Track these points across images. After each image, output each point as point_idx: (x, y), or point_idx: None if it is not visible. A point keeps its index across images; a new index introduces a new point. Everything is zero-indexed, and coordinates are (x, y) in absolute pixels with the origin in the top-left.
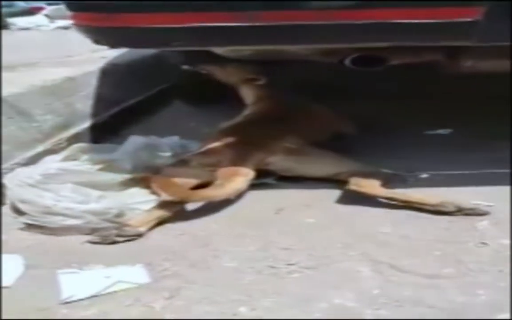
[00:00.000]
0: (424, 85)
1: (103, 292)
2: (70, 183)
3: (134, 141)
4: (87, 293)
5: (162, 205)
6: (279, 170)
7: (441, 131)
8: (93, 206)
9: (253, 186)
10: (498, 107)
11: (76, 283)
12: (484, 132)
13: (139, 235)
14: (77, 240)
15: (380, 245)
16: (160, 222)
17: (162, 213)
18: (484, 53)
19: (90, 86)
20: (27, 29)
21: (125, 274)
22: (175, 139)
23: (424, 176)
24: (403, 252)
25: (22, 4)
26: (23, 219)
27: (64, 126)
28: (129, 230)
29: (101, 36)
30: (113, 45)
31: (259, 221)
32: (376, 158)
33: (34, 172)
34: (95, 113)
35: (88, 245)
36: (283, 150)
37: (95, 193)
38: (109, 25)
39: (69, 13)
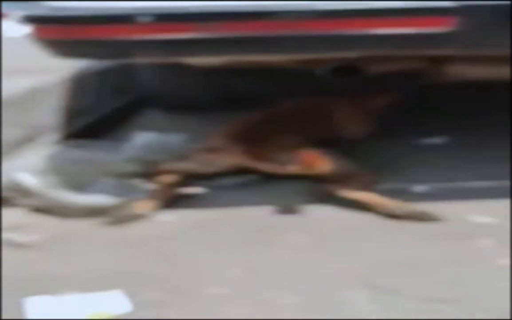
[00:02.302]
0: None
1: None
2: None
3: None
4: None
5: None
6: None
7: (434, 140)
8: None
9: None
10: (496, 116)
11: (47, 313)
12: (481, 142)
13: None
14: (46, 262)
15: (375, 267)
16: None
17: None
18: (472, 60)
19: (56, 97)
20: None
21: (102, 301)
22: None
23: (420, 189)
24: (400, 274)
25: None
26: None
27: (28, 140)
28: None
29: (60, 49)
30: (70, 57)
31: (243, 241)
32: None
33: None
34: (63, 125)
35: (63, 269)
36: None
37: None
38: (68, 37)
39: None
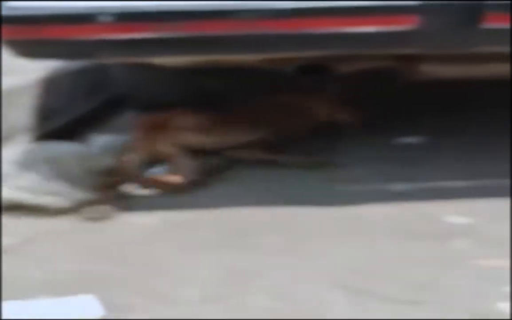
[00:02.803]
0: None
1: None
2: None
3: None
4: None
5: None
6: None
7: (412, 139)
8: None
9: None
10: (474, 115)
11: (20, 316)
12: (459, 141)
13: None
14: (18, 265)
15: (351, 268)
16: None
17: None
18: (446, 59)
19: (29, 98)
20: None
21: (75, 306)
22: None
23: (398, 188)
24: (376, 276)
25: None
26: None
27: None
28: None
29: (21, 49)
30: (31, 57)
31: (219, 243)
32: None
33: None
34: (36, 127)
35: (35, 273)
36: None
37: None
38: (27, 37)
39: None
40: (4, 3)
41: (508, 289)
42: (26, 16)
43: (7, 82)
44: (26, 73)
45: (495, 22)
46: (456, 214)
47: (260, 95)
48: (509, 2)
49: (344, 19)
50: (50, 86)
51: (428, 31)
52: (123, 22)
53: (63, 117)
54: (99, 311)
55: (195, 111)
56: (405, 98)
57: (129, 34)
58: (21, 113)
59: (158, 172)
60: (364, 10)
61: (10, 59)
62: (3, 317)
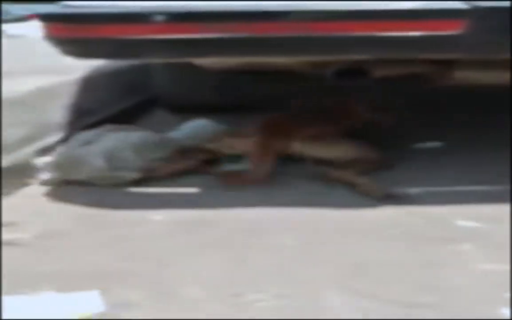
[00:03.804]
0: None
1: None
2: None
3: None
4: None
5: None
6: (300, 154)
7: (431, 144)
8: None
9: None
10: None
11: (22, 311)
12: (479, 146)
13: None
14: (32, 260)
15: (357, 270)
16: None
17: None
18: (480, 65)
19: (68, 97)
20: (18, 36)
21: (78, 300)
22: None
23: (413, 192)
24: (381, 278)
25: (16, 11)
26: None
27: (31, 139)
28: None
29: (69, 47)
30: (81, 56)
31: (229, 243)
32: None
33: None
34: (69, 125)
35: (42, 266)
36: (305, 138)
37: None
38: (75, 36)
39: (41, 24)
40: (61, 3)
41: None
42: (76, 15)
43: (46, 81)
44: (66, 72)
45: None
46: (466, 218)
47: (299, 99)
48: None
49: (391, 23)
50: (87, 85)
51: (475, 36)
52: (175, 22)
53: (96, 116)
54: (100, 307)
55: (309, 120)
56: (433, 103)
57: (181, 35)
58: (57, 111)
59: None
60: (411, 13)
61: (50, 58)
62: (5, 311)
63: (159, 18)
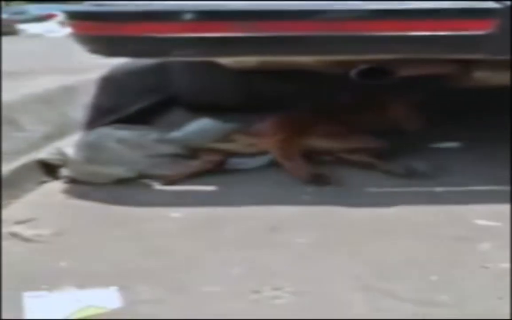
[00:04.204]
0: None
1: (71, 317)
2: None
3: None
4: (53, 318)
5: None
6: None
7: (448, 144)
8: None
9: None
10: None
11: (43, 307)
12: (496, 147)
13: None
14: (49, 257)
15: (374, 268)
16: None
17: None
18: (498, 66)
19: (88, 95)
20: (37, 35)
21: (97, 297)
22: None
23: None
24: (398, 277)
25: (35, 10)
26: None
27: (55, 136)
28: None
29: (96, 45)
30: (107, 54)
31: (249, 240)
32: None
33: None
34: (90, 122)
35: (62, 262)
36: (325, 133)
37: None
38: (103, 34)
39: (67, 22)
40: (87, 2)
41: None
42: (107, 13)
43: (66, 79)
44: (87, 71)
45: None
46: (485, 217)
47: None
48: None
49: (418, 23)
50: (107, 84)
51: (502, 37)
52: (201, 21)
53: (116, 115)
54: (119, 303)
55: (323, 117)
56: (448, 104)
57: (209, 33)
58: (78, 110)
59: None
60: (438, 13)
61: (69, 57)
62: (25, 307)
63: (186, 16)
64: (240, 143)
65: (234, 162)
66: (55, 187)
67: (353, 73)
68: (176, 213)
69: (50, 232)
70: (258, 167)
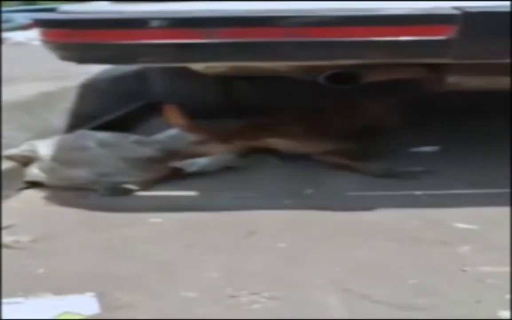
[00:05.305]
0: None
1: None
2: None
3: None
4: None
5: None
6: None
7: (427, 148)
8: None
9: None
10: (492, 125)
11: (19, 314)
12: (474, 151)
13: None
14: (28, 262)
15: (352, 272)
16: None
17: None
18: (471, 70)
19: (67, 102)
20: (20, 44)
21: (73, 303)
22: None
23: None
24: (376, 280)
25: (21, 19)
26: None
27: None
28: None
29: (66, 52)
30: (77, 61)
31: (228, 244)
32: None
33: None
34: (69, 129)
35: (39, 269)
36: (285, 134)
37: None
38: (73, 41)
39: (38, 30)
40: (59, 8)
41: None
42: (73, 20)
43: (47, 86)
44: (66, 78)
45: None
46: (463, 220)
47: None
48: None
49: (382, 29)
50: (87, 91)
51: (465, 41)
52: (171, 27)
53: (96, 121)
54: (96, 309)
55: (289, 118)
56: (427, 108)
57: (177, 40)
58: (56, 116)
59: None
60: (402, 19)
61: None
62: (1, 314)
63: (153, 23)
64: (212, 146)
65: (186, 164)
66: (34, 193)
67: (321, 78)
68: (155, 218)
69: (29, 238)
70: (217, 170)
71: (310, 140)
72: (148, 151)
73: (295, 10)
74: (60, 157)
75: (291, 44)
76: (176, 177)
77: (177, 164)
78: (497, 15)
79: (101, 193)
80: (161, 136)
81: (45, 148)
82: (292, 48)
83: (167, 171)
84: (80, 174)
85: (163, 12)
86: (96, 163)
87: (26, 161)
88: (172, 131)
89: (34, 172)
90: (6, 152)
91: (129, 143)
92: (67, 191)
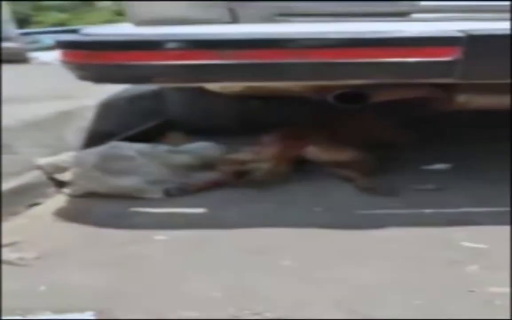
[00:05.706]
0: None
1: None
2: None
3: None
4: None
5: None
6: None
7: (438, 166)
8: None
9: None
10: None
11: None
12: (485, 168)
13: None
14: (29, 280)
15: (358, 292)
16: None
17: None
18: (480, 89)
19: (85, 120)
20: (47, 63)
21: None
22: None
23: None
24: (382, 300)
25: (48, 40)
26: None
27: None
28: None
29: (85, 72)
30: (96, 81)
31: (232, 263)
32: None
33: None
34: (86, 146)
35: (40, 286)
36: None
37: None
38: (92, 62)
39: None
40: (81, 30)
41: None
42: (90, 42)
43: (65, 105)
44: (84, 97)
45: None
46: (472, 239)
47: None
48: None
49: (393, 50)
50: (105, 110)
51: (470, 62)
52: (186, 49)
53: (114, 138)
54: None
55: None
56: (438, 126)
57: (193, 61)
58: (74, 135)
59: None
60: (408, 41)
61: (69, 84)
62: None
63: (169, 45)
64: (250, 154)
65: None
66: (44, 209)
67: (329, 97)
68: (160, 235)
69: (34, 255)
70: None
71: (329, 150)
72: (186, 158)
73: (306, 33)
74: (103, 167)
75: (302, 65)
76: (236, 182)
77: (238, 168)
78: (499, 37)
79: (165, 193)
80: (192, 146)
81: (83, 158)
82: (303, 69)
83: (224, 176)
84: (128, 182)
85: (178, 34)
86: (141, 171)
87: (53, 171)
88: (200, 143)
89: (80, 182)
90: (37, 161)
91: (164, 152)
92: (76, 205)
